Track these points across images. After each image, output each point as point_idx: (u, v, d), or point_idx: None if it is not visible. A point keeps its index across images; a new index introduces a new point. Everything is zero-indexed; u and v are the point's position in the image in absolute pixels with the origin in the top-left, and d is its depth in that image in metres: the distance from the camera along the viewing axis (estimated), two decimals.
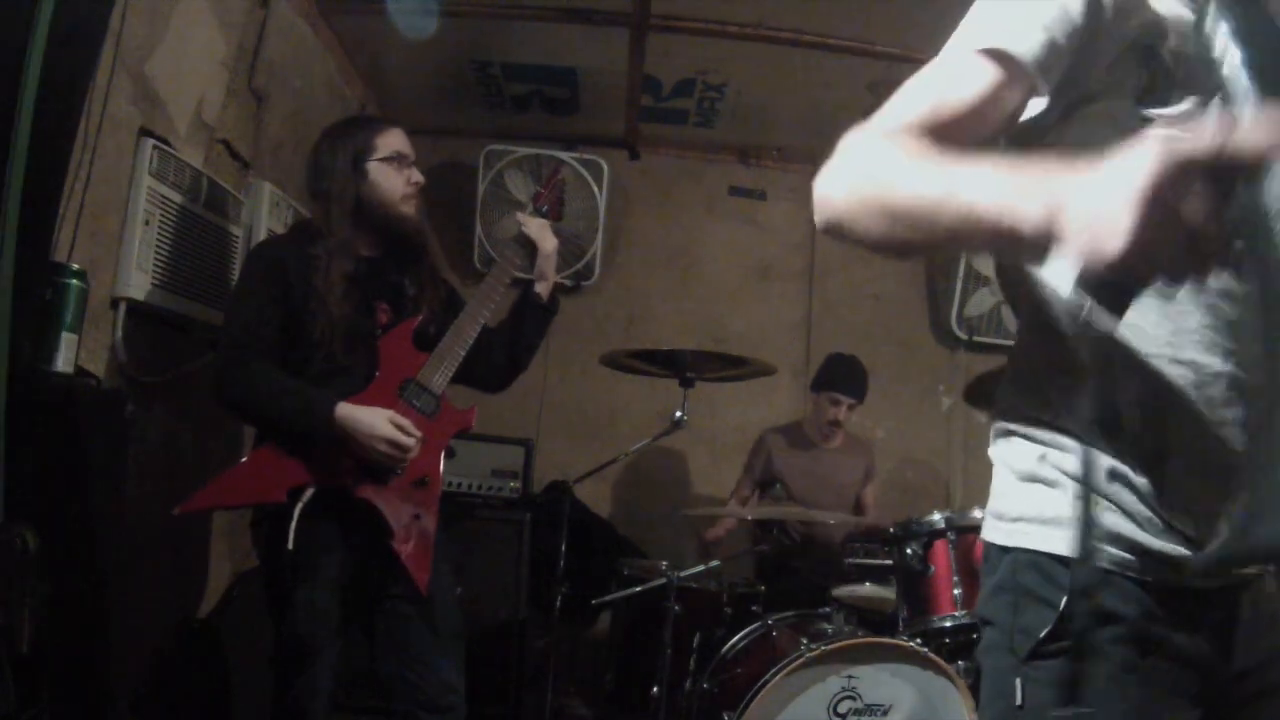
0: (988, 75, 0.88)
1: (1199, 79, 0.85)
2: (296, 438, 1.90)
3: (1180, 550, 0.88)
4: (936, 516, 2.42)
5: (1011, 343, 1.10)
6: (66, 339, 1.83)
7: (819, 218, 0.90)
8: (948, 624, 2.34)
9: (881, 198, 0.82)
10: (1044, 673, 0.90)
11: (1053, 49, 0.87)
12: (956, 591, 2.34)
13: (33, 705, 1.46)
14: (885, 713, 2.23)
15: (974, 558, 2.36)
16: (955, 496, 4.16)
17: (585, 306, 4.18)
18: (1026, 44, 0.87)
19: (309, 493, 1.87)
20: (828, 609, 2.55)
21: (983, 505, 2.45)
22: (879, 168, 0.84)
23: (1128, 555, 0.90)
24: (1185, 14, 0.93)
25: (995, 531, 1.00)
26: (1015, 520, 0.97)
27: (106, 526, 1.90)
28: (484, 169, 3.92)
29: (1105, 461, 0.92)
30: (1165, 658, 0.88)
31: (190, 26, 2.33)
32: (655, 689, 2.49)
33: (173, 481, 2.35)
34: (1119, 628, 0.88)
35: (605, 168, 3.95)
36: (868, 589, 2.87)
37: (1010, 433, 1.01)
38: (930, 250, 0.90)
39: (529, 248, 2.23)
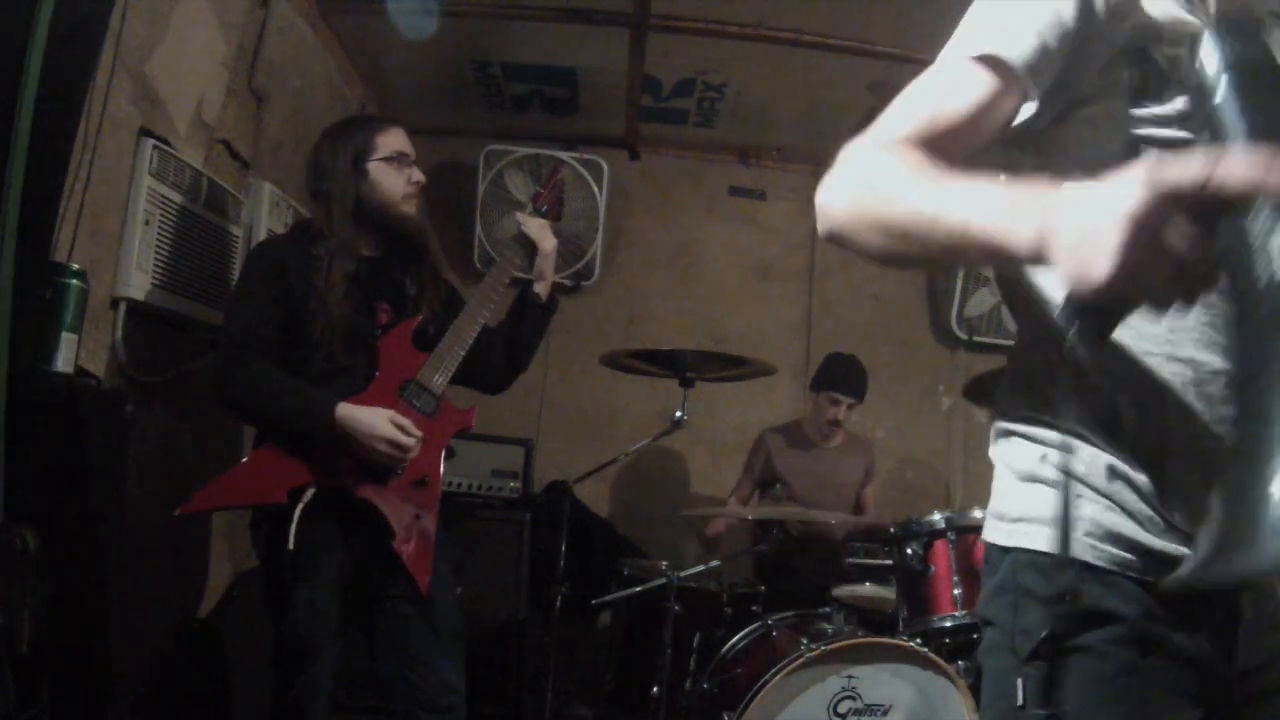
0: (982, 84, 0.89)
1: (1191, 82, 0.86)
2: (297, 438, 1.90)
3: (1181, 549, 0.88)
4: (936, 516, 2.42)
5: (1011, 343, 1.10)
6: (66, 339, 1.83)
7: (821, 227, 0.91)
8: (948, 624, 2.34)
9: (879, 213, 0.84)
10: (1044, 673, 0.90)
11: (1044, 53, 0.88)
12: (956, 591, 2.34)
13: (33, 705, 1.46)
14: (885, 713, 2.23)
15: (974, 558, 2.36)
16: (955, 496, 4.16)
17: (585, 306, 4.18)
18: (1018, 49, 0.88)
19: (310, 493, 1.87)
20: (828, 609, 2.55)
21: (983, 505, 2.45)
22: (877, 182, 0.85)
23: (1128, 555, 0.90)
24: (1181, 16, 0.93)
25: (996, 532, 1.00)
26: (1016, 521, 0.97)
27: (106, 526, 1.90)
28: (484, 169, 3.92)
29: (1106, 460, 0.92)
30: (1166, 658, 0.88)
31: (190, 26, 2.33)
32: (655, 689, 2.48)
33: (173, 481, 2.34)
34: (1120, 628, 0.88)
35: (605, 168, 3.95)
36: (868, 589, 2.87)
37: (1011, 433, 1.01)
38: (928, 264, 0.91)
39: (528, 247, 2.23)
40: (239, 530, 2.59)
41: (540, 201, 2.36)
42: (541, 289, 2.23)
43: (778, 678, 2.18)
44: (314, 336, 1.93)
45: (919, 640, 2.30)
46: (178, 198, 2.26)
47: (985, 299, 4.09)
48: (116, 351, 2.12)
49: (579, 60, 3.48)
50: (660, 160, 4.29)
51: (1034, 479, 0.96)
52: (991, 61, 0.89)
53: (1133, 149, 0.91)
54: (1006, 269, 1.05)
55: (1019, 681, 0.91)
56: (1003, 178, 0.79)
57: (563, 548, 2.89)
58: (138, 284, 2.14)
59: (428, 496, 1.99)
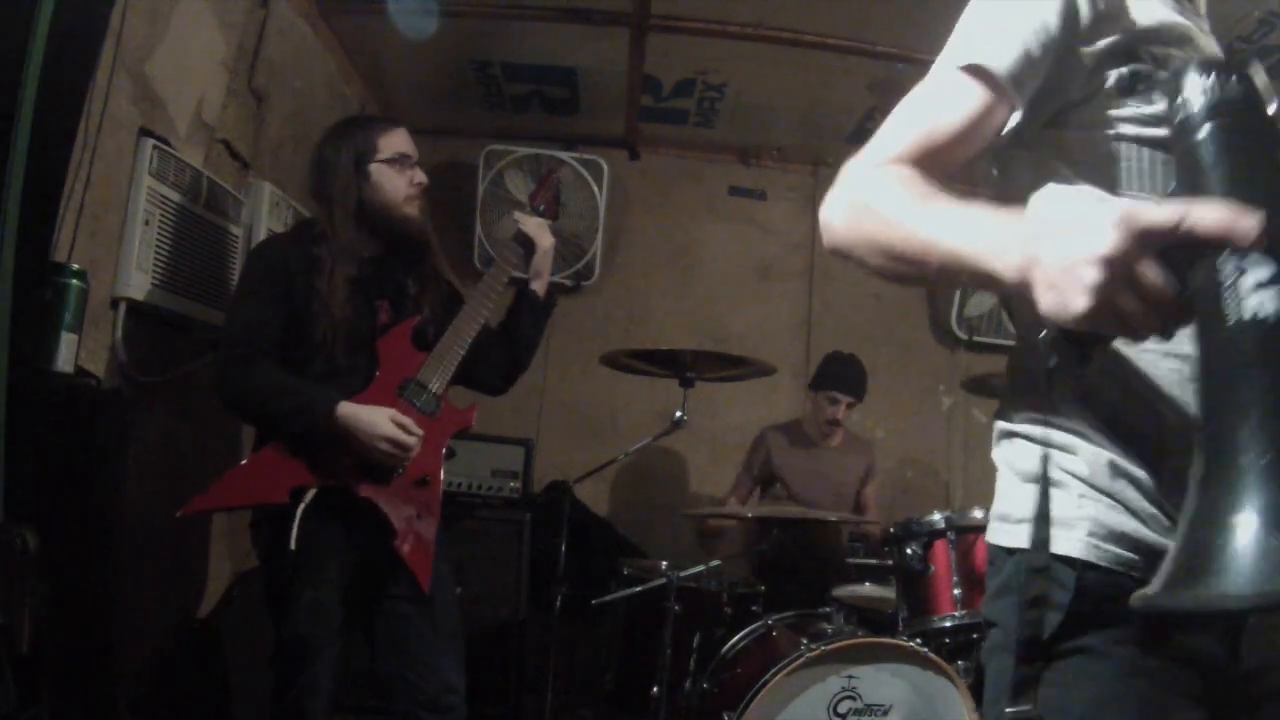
0: (972, 98, 0.93)
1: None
2: (298, 438, 1.90)
3: None
4: (936, 516, 2.42)
5: (1011, 343, 1.11)
6: (66, 339, 1.83)
7: (825, 242, 0.94)
8: (948, 624, 2.34)
9: (876, 235, 0.88)
10: (1048, 673, 0.90)
11: (1029, 62, 0.91)
12: (956, 591, 2.34)
13: (33, 705, 1.46)
14: (885, 713, 2.23)
15: (974, 558, 2.36)
16: (955, 496, 4.16)
17: (585, 306, 4.18)
18: (1004, 59, 0.91)
19: (311, 493, 1.87)
20: (828, 609, 2.55)
21: (983, 505, 2.47)
22: (874, 204, 0.89)
23: (1132, 555, 0.90)
24: (1170, 19, 0.94)
25: (1000, 533, 1.00)
26: (1019, 522, 0.97)
27: (106, 526, 1.90)
28: (484, 169, 3.92)
29: (1108, 458, 0.92)
30: (1169, 659, 0.88)
31: (190, 26, 2.33)
32: (655, 689, 2.48)
33: (173, 481, 2.35)
34: (1123, 629, 0.88)
35: (605, 168, 3.95)
36: (868, 589, 2.87)
37: (1013, 434, 1.02)
38: (925, 282, 0.94)
39: (527, 246, 2.23)
40: (239, 530, 2.59)
41: (537, 201, 2.36)
42: (539, 287, 2.23)
43: (778, 678, 2.18)
44: (315, 337, 1.93)
45: (919, 640, 2.29)
46: (178, 198, 2.26)
47: (985, 299, 4.09)
48: (116, 351, 2.12)
49: (579, 60, 3.48)
50: (660, 160, 4.29)
51: (1037, 479, 0.96)
52: (979, 73, 0.92)
53: (1121, 149, 0.93)
54: (996, 291, 1.07)
55: (1010, 679, 0.91)
56: (993, 202, 0.81)
57: (563, 548, 2.89)
58: (138, 284, 2.14)
59: (429, 496, 1.99)
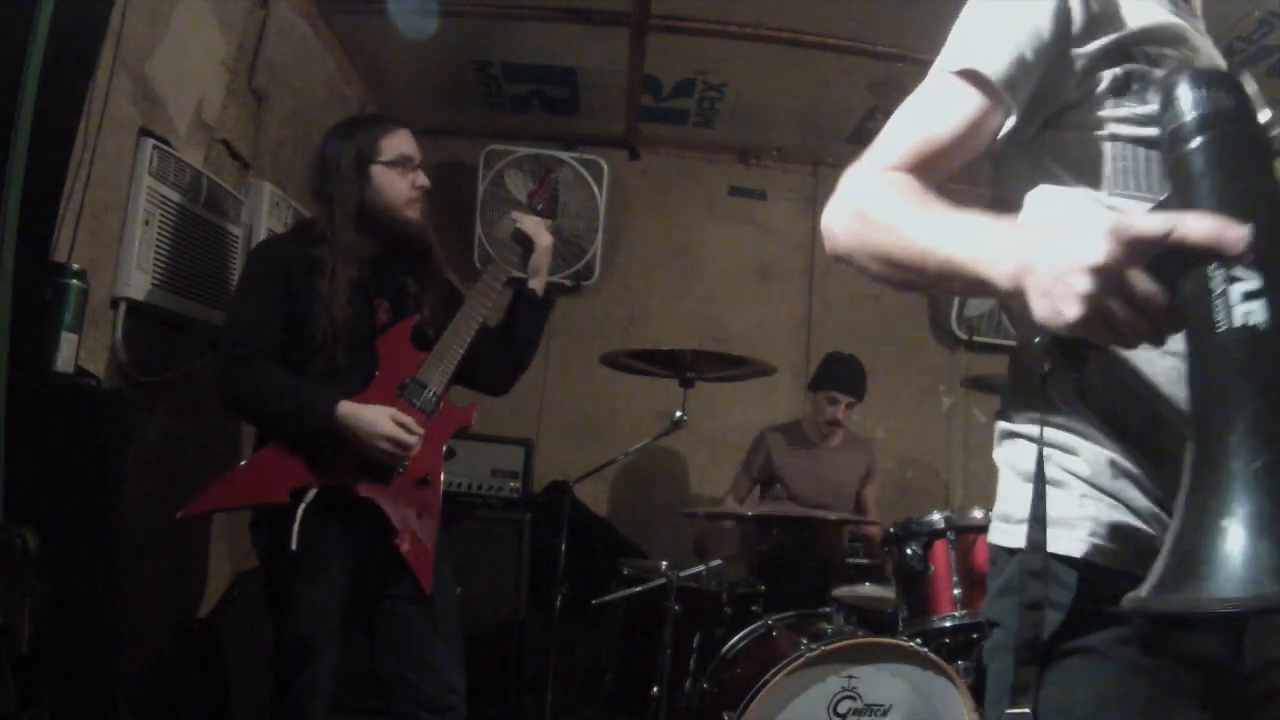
0: (968, 104, 0.95)
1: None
2: (298, 438, 1.90)
3: None
4: (936, 516, 2.42)
5: (1012, 343, 1.11)
6: (66, 339, 1.83)
7: (828, 249, 0.96)
8: (948, 624, 2.34)
9: (875, 243, 0.90)
10: (1050, 673, 0.90)
11: (1022, 66, 0.93)
12: (956, 591, 2.34)
13: (33, 705, 1.46)
14: (885, 713, 2.23)
15: (974, 558, 2.36)
16: (955, 496, 4.16)
17: (585, 306, 4.18)
18: (998, 65, 0.93)
19: (312, 493, 1.87)
20: (828, 609, 2.55)
21: (983, 505, 2.47)
22: (873, 212, 0.91)
23: (1133, 554, 0.90)
24: (1164, 20, 0.95)
25: (1001, 534, 1.00)
26: (1021, 522, 0.97)
27: (106, 526, 1.90)
28: (484, 169, 3.92)
29: (1108, 458, 0.92)
30: (1171, 659, 0.88)
31: (190, 26, 2.33)
32: (655, 689, 2.48)
33: (173, 481, 2.35)
34: (1124, 629, 0.88)
35: (605, 168, 3.95)
36: (868, 589, 2.88)
37: (1014, 434, 1.02)
38: (924, 289, 0.95)
39: (525, 245, 2.24)
40: (239, 530, 2.59)
41: (536, 200, 2.37)
42: (537, 285, 2.23)
43: (778, 678, 2.18)
44: (315, 338, 1.93)
45: (919, 640, 2.29)
46: (178, 198, 2.26)
47: (985, 300, 4.08)
48: (116, 351, 2.12)
49: (579, 60, 3.48)
50: (660, 160, 4.29)
51: (1037, 479, 0.96)
52: (974, 78, 0.94)
53: (1116, 149, 0.94)
54: (992, 298, 1.08)
55: (1013, 679, 0.91)
56: (992, 203, 0.83)
57: (563, 548, 2.89)
58: (138, 284, 2.14)
59: (429, 495, 1.99)
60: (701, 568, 2.66)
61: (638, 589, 2.66)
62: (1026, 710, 0.88)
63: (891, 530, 2.52)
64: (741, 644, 2.49)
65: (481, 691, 2.50)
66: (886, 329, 4.23)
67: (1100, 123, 0.95)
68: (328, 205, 2.03)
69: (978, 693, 2.23)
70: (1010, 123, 0.95)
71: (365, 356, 1.98)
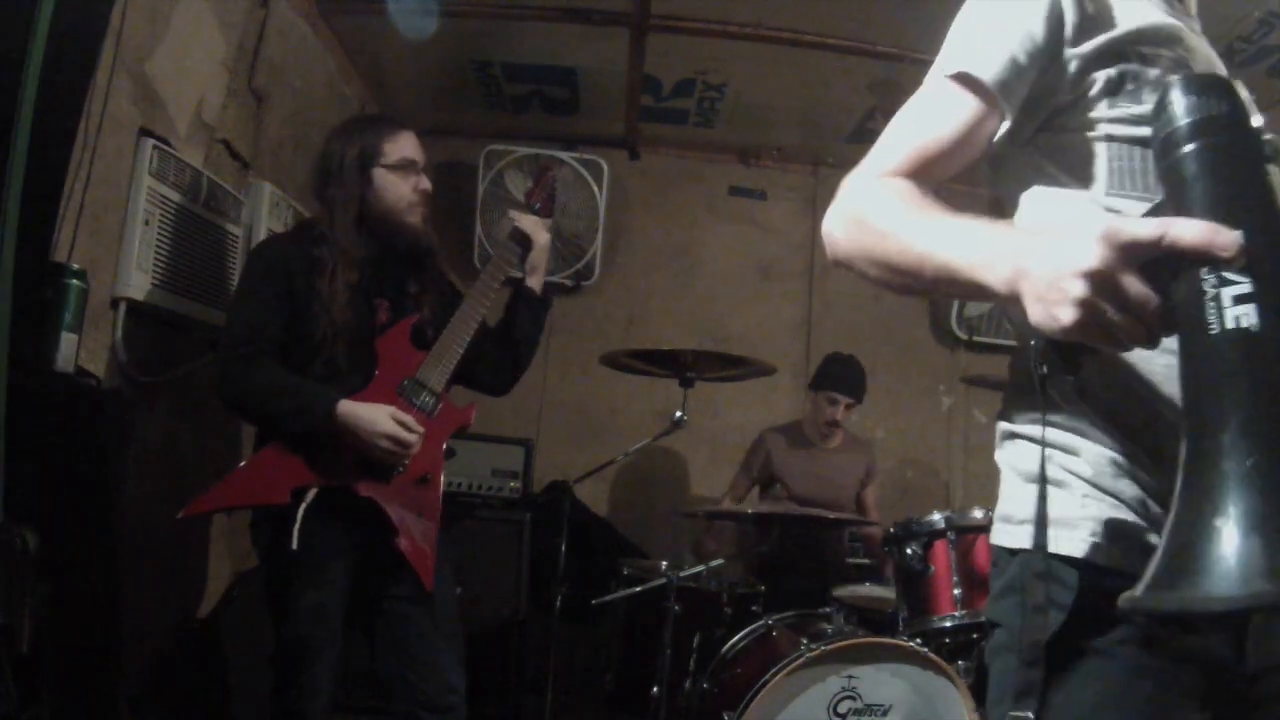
0: (964, 109, 0.96)
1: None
2: (298, 438, 1.90)
3: None
4: (936, 516, 2.42)
5: (1012, 343, 1.11)
6: (66, 339, 1.83)
7: (828, 254, 0.97)
8: (948, 624, 2.34)
9: (874, 248, 0.91)
10: (1051, 674, 0.90)
11: (1015, 68, 0.94)
12: (956, 591, 2.34)
13: (33, 705, 1.46)
14: (885, 713, 2.23)
15: (974, 558, 2.36)
16: (955, 496, 4.16)
17: (585, 306, 4.18)
18: (991, 67, 0.94)
19: (312, 492, 1.87)
20: (828, 609, 2.55)
21: (983, 505, 2.47)
22: (871, 218, 0.92)
23: (1134, 554, 0.90)
24: (1158, 20, 0.95)
25: (1003, 535, 1.01)
26: (1022, 523, 0.97)
27: (107, 526, 1.90)
28: (484, 169, 3.92)
29: (1109, 457, 0.92)
30: (1174, 659, 0.88)
31: (190, 26, 2.33)
32: (655, 689, 2.48)
33: (173, 481, 2.35)
34: (1127, 629, 0.88)
35: (605, 168, 3.95)
36: (868, 589, 2.88)
37: (1015, 435, 1.02)
38: (923, 293, 0.96)
39: (523, 243, 2.23)
40: (239, 530, 2.59)
41: (533, 199, 2.37)
42: (535, 282, 2.23)
43: (778, 678, 2.18)
44: (316, 340, 1.93)
45: (919, 640, 2.29)
46: (178, 198, 2.26)
47: None
48: (116, 351, 2.12)
49: (579, 60, 3.48)
50: (660, 160, 4.29)
51: (1039, 480, 0.96)
52: (968, 82, 0.95)
53: (1112, 150, 0.94)
54: (989, 302, 1.09)
55: (1015, 680, 0.91)
56: (991, 204, 0.84)
57: (563, 548, 2.89)
58: (138, 284, 2.14)
59: (429, 494, 1.99)
60: (701, 568, 2.66)
61: (638, 589, 2.66)
62: (1029, 715, 0.88)
63: (891, 530, 2.52)
64: (741, 644, 2.49)
65: (481, 691, 2.50)
66: (887, 329, 4.23)
67: (1096, 124, 0.95)
68: (328, 206, 2.02)
69: (978, 693, 2.23)
70: (1005, 126, 0.96)
71: (365, 356, 1.98)
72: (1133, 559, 0.90)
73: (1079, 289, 0.69)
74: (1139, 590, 0.68)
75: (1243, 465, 0.65)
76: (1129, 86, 0.94)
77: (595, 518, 3.77)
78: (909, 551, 2.41)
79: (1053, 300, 0.71)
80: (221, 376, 1.92)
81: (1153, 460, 0.90)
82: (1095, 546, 0.91)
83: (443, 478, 2.04)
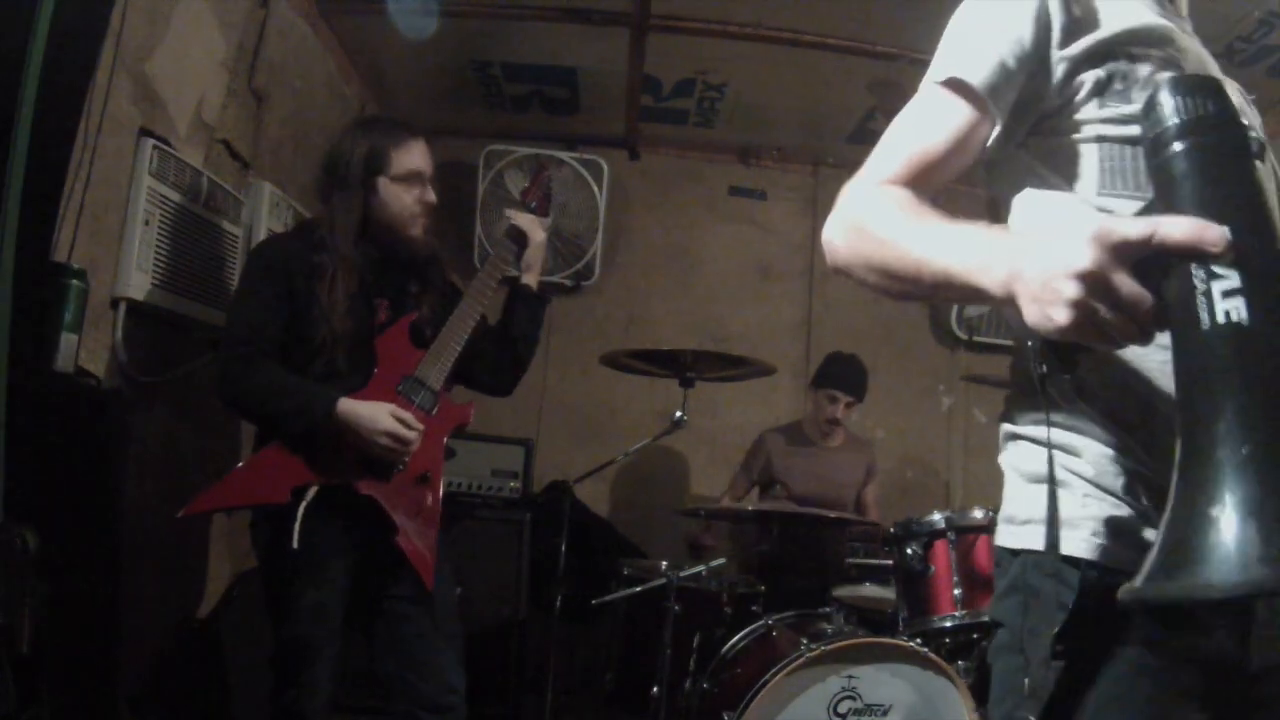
0: (954, 114, 0.97)
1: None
2: (298, 437, 1.90)
3: None
4: (936, 516, 2.42)
5: (1012, 343, 1.12)
6: (66, 339, 1.83)
7: (829, 262, 0.99)
8: (948, 624, 2.34)
9: (872, 255, 0.93)
10: (1052, 673, 0.90)
11: (1004, 72, 0.96)
12: (956, 591, 2.34)
13: (33, 705, 1.46)
14: (885, 713, 2.23)
15: (974, 558, 2.36)
16: (955, 496, 4.16)
17: (585, 306, 4.18)
18: (980, 72, 0.96)
19: (312, 491, 1.87)
20: (828, 609, 2.55)
21: (983, 505, 2.47)
22: (869, 226, 0.94)
23: (1135, 553, 0.90)
24: (1149, 22, 0.95)
25: (1007, 536, 1.01)
26: (1025, 523, 0.98)
27: (107, 526, 1.90)
28: (484, 169, 3.92)
29: (1110, 456, 0.93)
30: (1175, 659, 0.88)
31: (190, 26, 2.33)
32: (655, 689, 2.48)
33: (173, 481, 2.35)
34: (1127, 628, 0.88)
35: (605, 168, 3.95)
36: (868, 589, 2.87)
37: (1017, 436, 1.03)
38: (921, 299, 0.98)
39: (519, 241, 2.24)
40: (239, 530, 2.59)
41: (529, 198, 2.37)
42: (531, 280, 2.23)
43: (778, 678, 2.18)
44: (315, 343, 1.93)
45: (919, 640, 2.29)
46: (178, 198, 2.26)
47: None
48: (116, 351, 2.12)
49: (579, 60, 3.48)
50: (660, 160, 4.29)
51: (1042, 480, 0.96)
52: (958, 87, 0.97)
53: (1103, 150, 0.95)
54: (986, 305, 1.10)
55: (1026, 682, 0.91)
56: (988, 206, 0.85)
57: (563, 548, 2.89)
58: (138, 284, 2.14)
59: (429, 492, 1.99)
60: (701, 568, 2.66)
61: (638, 589, 2.66)
62: (1031, 710, 0.89)
63: (891, 530, 2.52)
64: (741, 644, 2.49)
65: (481, 691, 2.50)
66: (887, 329, 4.23)
67: (1086, 125, 0.96)
68: (331, 212, 2.01)
69: (978, 693, 2.23)
70: (997, 130, 0.97)
71: (364, 355, 1.98)
72: (1133, 557, 0.90)
73: (1072, 289, 0.70)
74: (1138, 581, 0.68)
75: (1237, 454, 0.66)
76: (1117, 86, 0.95)
77: (595, 518, 3.77)
78: (909, 551, 2.41)
79: (1047, 301, 0.72)
80: (221, 376, 1.92)
81: (1151, 457, 0.91)
82: (1096, 546, 0.91)
83: (443, 477, 2.04)
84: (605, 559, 3.22)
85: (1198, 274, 0.69)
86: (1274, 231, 0.72)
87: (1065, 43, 0.96)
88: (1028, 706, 0.90)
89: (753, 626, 2.52)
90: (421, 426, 1.93)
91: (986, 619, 2.27)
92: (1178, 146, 0.74)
